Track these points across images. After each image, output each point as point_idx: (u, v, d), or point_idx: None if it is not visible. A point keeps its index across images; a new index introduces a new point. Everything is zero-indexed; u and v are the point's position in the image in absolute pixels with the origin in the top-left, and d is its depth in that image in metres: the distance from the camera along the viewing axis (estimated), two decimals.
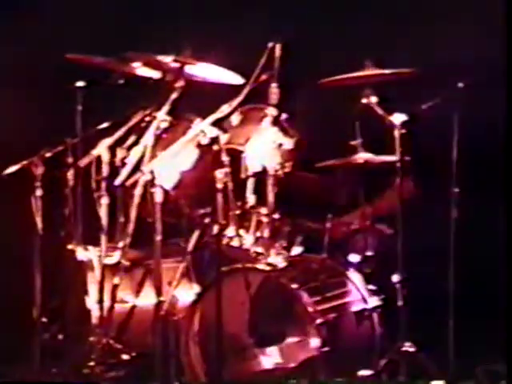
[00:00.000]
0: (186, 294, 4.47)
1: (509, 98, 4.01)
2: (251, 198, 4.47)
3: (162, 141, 4.49)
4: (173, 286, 4.45)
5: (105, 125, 4.67)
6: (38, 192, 4.58)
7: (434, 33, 4.82)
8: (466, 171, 4.21)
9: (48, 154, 4.62)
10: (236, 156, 4.49)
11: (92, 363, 4.32)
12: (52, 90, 4.98)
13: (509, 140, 4.18)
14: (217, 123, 4.54)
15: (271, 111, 4.48)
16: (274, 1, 5.16)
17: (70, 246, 4.62)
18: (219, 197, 4.26)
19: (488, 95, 4.60)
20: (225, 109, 4.46)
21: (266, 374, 4.17)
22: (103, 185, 4.52)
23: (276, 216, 4.42)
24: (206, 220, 4.48)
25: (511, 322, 4.01)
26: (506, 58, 3.96)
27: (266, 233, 4.38)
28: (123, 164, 4.52)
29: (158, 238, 4.15)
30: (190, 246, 4.57)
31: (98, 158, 4.55)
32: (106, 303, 4.46)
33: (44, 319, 4.57)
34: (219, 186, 4.25)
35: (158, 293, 4.21)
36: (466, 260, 4.22)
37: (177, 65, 4.51)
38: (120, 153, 4.56)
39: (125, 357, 4.43)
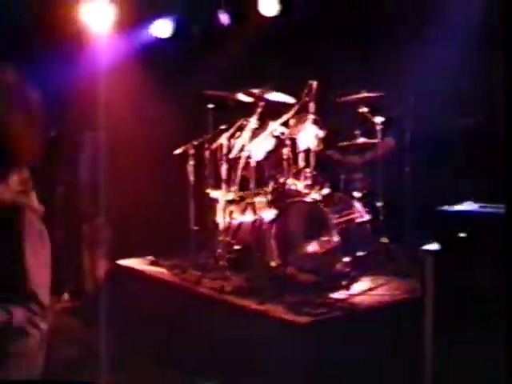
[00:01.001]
0: (269, 214, 5.52)
1: None
2: (301, 164, 5.64)
3: (254, 134, 5.78)
4: (261, 210, 5.62)
5: (223, 127, 6.00)
6: (191, 162, 5.98)
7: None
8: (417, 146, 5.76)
9: (195, 143, 5.98)
10: (293, 141, 5.66)
11: (219, 250, 5.66)
12: (197, 110, 6.03)
13: None
14: (282, 124, 5.79)
15: (311, 116, 5.70)
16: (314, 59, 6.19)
17: (207, 190, 5.99)
18: (284, 163, 5.54)
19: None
20: (286, 116, 5.76)
21: (310, 255, 5.15)
22: (224, 158, 5.77)
23: (314, 173, 5.59)
24: (278, 175, 5.67)
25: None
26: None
27: (310, 182, 5.55)
28: (234, 146, 5.80)
29: (252, 185, 5.57)
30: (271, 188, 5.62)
31: (221, 144, 5.85)
32: (227, 220, 5.73)
33: (196, 227, 6.03)
34: (284, 157, 5.54)
35: (254, 214, 5.59)
36: (416, 190, 5.56)
37: (261, 93, 5.86)
38: (232, 141, 5.85)
39: (236, 247, 5.75)
